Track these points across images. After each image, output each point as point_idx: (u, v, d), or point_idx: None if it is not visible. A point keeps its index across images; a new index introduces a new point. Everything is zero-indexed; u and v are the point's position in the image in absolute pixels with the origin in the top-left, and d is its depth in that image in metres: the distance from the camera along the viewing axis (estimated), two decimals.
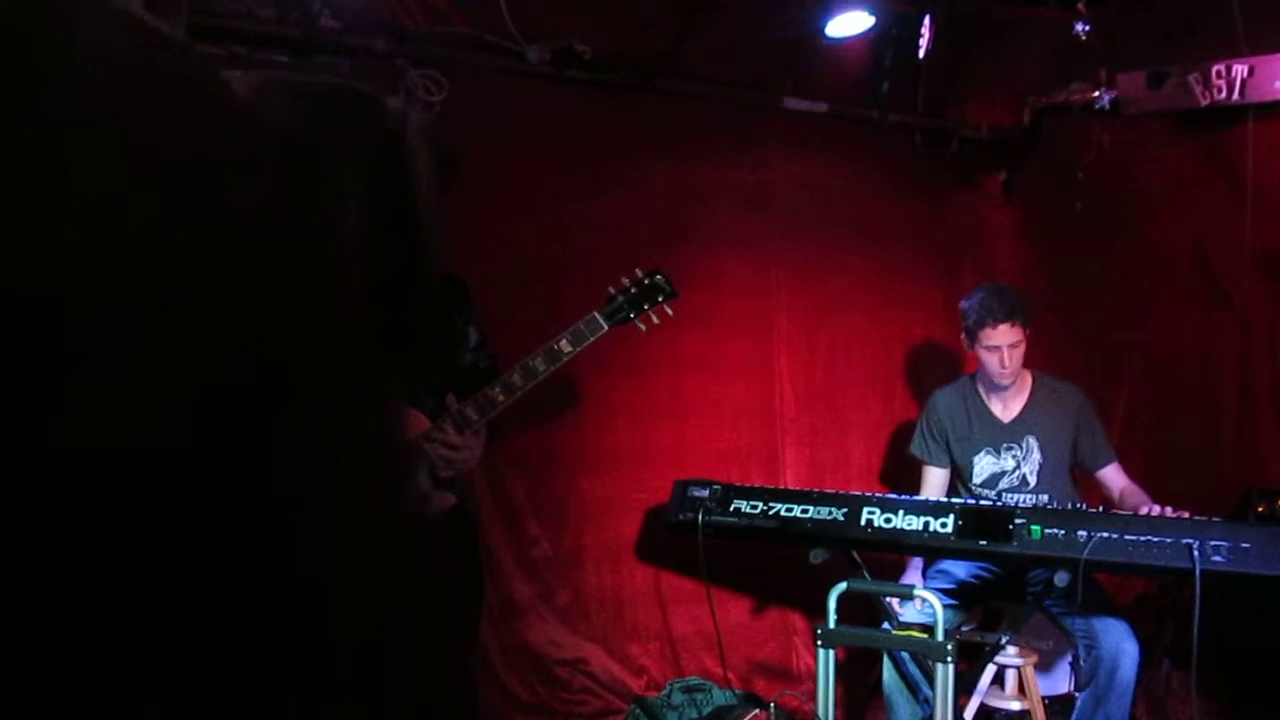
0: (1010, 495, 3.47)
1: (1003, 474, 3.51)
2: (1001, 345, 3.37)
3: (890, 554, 3.60)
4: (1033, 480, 3.47)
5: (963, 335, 3.51)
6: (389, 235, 0.40)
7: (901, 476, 4.38)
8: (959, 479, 3.62)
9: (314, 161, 0.38)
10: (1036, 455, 3.48)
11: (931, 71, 4.27)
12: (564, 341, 2.64)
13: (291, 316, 0.37)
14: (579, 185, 3.72)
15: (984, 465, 3.53)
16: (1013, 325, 3.36)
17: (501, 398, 2.59)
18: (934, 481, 3.64)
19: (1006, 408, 3.54)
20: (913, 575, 3.56)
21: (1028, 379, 3.54)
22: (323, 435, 0.38)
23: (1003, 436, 3.52)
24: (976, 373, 3.59)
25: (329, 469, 0.38)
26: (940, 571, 3.46)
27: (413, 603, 0.44)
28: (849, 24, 3.86)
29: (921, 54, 4.08)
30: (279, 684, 0.37)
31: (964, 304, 3.51)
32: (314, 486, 0.38)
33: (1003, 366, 3.39)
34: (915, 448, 3.69)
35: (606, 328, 2.70)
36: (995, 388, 3.52)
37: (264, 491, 0.36)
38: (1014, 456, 3.50)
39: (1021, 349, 3.40)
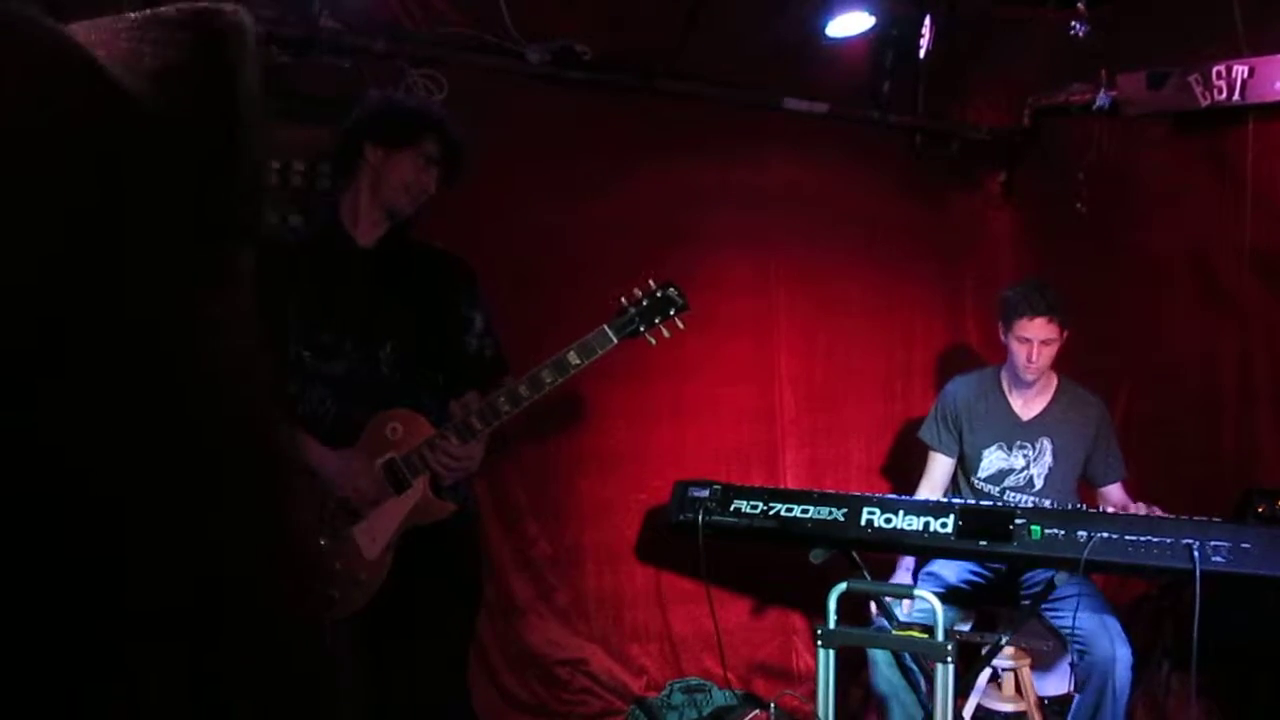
0: (1013, 494, 3.46)
1: (1010, 471, 3.49)
2: (1034, 339, 3.36)
3: (890, 554, 3.60)
4: (1039, 483, 3.45)
5: (999, 322, 3.50)
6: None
7: (902, 477, 4.37)
8: (962, 470, 3.59)
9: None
10: (1048, 458, 3.46)
11: (932, 72, 4.26)
12: (572, 354, 2.62)
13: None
14: (579, 186, 3.72)
15: (992, 460, 3.51)
16: (1049, 321, 3.34)
17: (507, 408, 2.58)
18: (939, 469, 3.61)
19: (1027, 405, 3.52)
20: (903, 576, 3.54)
21: (1053, 381, 3.52)
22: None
23: (1017, 434, 3.49)
24: (1002, 366, 3.57)
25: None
26: (929, 574, 3.44)
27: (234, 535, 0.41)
28: (849, 24, 3.86)
29: (922, 55, 4.08)
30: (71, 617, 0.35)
31: (1007, 292, 3.50)
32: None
33: (1030, 361, 3.37)
34: (925, 433, 3.67)
35: (616, 341, 2.66)
36: (1019, 383, 3.49)
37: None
38: (1025, 455, 3.48)
39: (1053, 348, 3.38)
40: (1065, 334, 3.40)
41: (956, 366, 4.50)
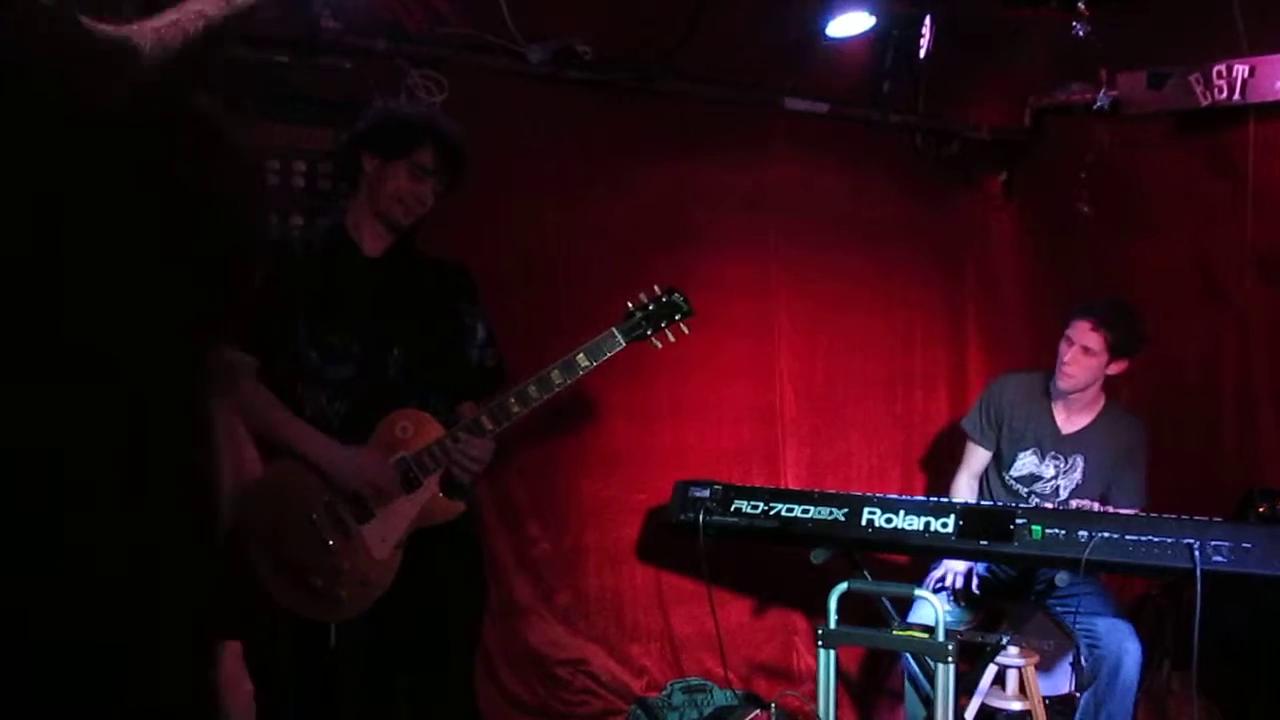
0: (1038, 500, 3.48)
1: (1040, 478, 3.52)
2: (1075, 342, 3.36)
3: (892, 554, 3.60)
4: (1064, 494, 3.47)
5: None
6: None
7: (903, 476, 4.38)
8: (996, 463, 3.63)
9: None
10: (1078, 475, 3.48)
11: (932, 72, 4.26)
12: (581, 355, 2.66)
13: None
14: (579, 186, 3.72)
15: (1025, 463, 3.54)
16: (1094, 328, 3.32)
17: (517, 408, 2.61)
18: (976, 459, 3.66)
19: (1069, 420, 3.52)
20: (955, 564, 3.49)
21: (1100, 401, 3.52)
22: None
23: (1054, 445, 3.51)
24: (1052, 372, 3.55)
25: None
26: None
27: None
28: (850, 24, 3.86)
29: (922, 54, 4.08)
30: None
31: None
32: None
33: (1065, 361, 3.37)
34: (968, 424, 3.69)
35: (624, 344, 2.72)
36: (1062, 393, 3.47)
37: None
38: (1056, 466, 3.50)
39: (1093, 361, 3.34)
40: (1114, 360, 3.36)
41: (958, 366, 4.51)
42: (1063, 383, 3.42)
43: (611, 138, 3.80)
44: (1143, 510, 3.36)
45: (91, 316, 0.38)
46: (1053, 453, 3.51)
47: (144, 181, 0.39)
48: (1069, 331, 3.38)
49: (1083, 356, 3.35)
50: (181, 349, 0.42)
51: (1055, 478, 3.49)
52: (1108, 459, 3.46)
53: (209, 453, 0.44)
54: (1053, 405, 3.54)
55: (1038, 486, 3.51)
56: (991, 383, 3.75)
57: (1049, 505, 3.44)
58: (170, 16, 0.45)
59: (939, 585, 3.39)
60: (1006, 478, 3.56)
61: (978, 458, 3.66)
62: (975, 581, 3.42)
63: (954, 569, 3.44)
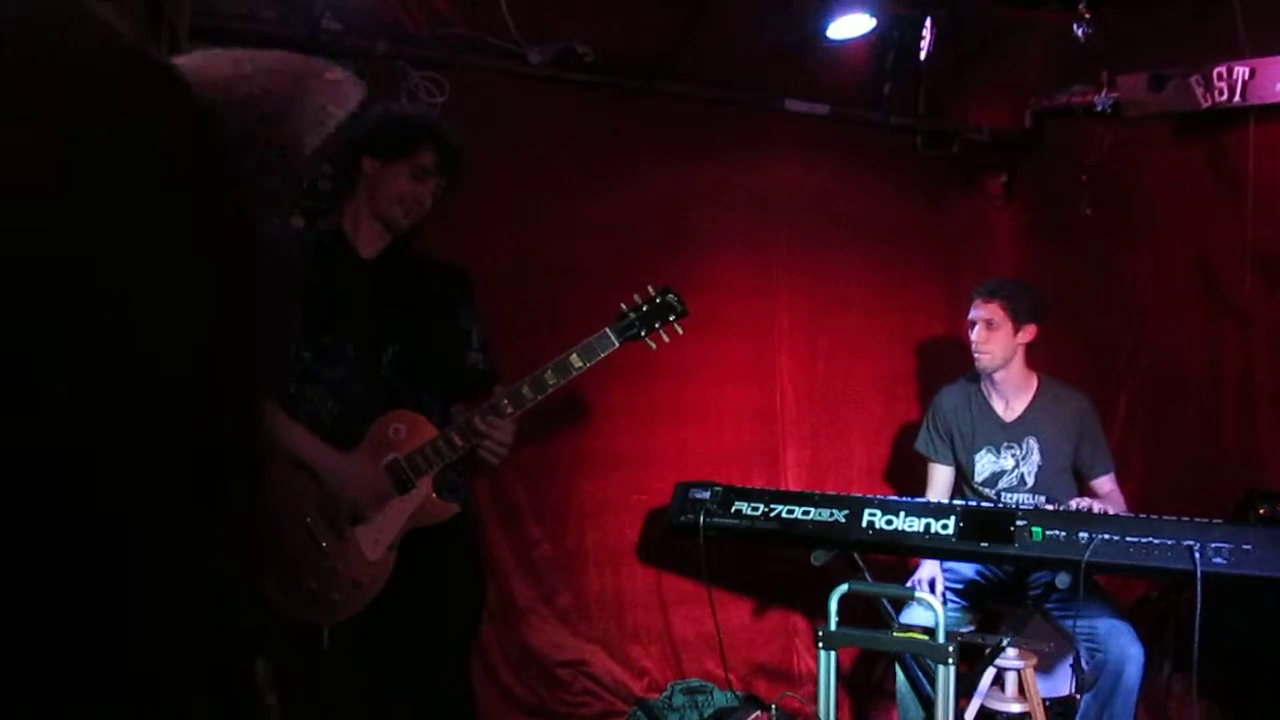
0: (1009, 495, 3.48)
1: (1002, 473, 3.52)
2: (977, 320, 3.48)
3: (893, 555, 3.60)
4: (1030, 481, 3.48)
5: None
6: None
7: (903, 478, 4.38)
8: (962, 477, 3.63)
9: None
10: (1036, 457, 3.48)
11: (933, 73, 4.27)
12: (574, 356, 2.65)
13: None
14: (579, 187, 3.73)
15: (984, 464, 3.54)
16: (986, 301, 3.47)
17: (510, 409, 2.60)
18: (940, 479, 3.66)
19: (1009, 407, 3.55)
20: (929, 569, 3.51)
21: (1033, 380, 3.56)
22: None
23: (1003, 435, 3.53)
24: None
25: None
26: (946, 569, 3.47)
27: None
28: (850, 26, 3.86)
29: (923, 56, 4.08)
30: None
31: None
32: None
33: (975, 341, 3.48)
34: (921, 445, 3.71)
35: (618, 344, 2.71)
36: (995, 383, 3.54)
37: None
38: (1013, 456, 3.51)
39: (998, 334, 3.45)
40: (1020, 327, 3.45)
41: (958, 367, 4.51)
42: (980, 363, 3.49)
43: (612, 139, 3.80)
44: (1114, 472, 3.48)
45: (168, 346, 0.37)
46: (1005, 443, 3.53)
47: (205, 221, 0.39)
48: (969, 316, 3.51)
49: (988, 331, 3.46)
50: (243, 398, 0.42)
51: (1016, 467, 3.51)
52: (1059, 434, 3.48)
53: (266, 477, 0.43)
54: (989, 399, 3.59)
55: (1003, 483, 3.51)
56: (934, 400, 3.76)
57: (1022, 496, 3.47)
58: (246, 67, 0.43)
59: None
60: (976, 486, 3.57)
61: (940, 476, 3.66)
62: (941, 588, 3.42)
63: (920, 576, 3.47)
